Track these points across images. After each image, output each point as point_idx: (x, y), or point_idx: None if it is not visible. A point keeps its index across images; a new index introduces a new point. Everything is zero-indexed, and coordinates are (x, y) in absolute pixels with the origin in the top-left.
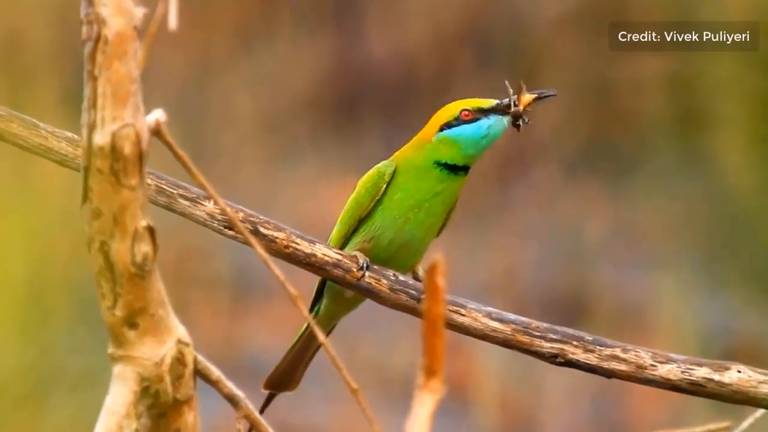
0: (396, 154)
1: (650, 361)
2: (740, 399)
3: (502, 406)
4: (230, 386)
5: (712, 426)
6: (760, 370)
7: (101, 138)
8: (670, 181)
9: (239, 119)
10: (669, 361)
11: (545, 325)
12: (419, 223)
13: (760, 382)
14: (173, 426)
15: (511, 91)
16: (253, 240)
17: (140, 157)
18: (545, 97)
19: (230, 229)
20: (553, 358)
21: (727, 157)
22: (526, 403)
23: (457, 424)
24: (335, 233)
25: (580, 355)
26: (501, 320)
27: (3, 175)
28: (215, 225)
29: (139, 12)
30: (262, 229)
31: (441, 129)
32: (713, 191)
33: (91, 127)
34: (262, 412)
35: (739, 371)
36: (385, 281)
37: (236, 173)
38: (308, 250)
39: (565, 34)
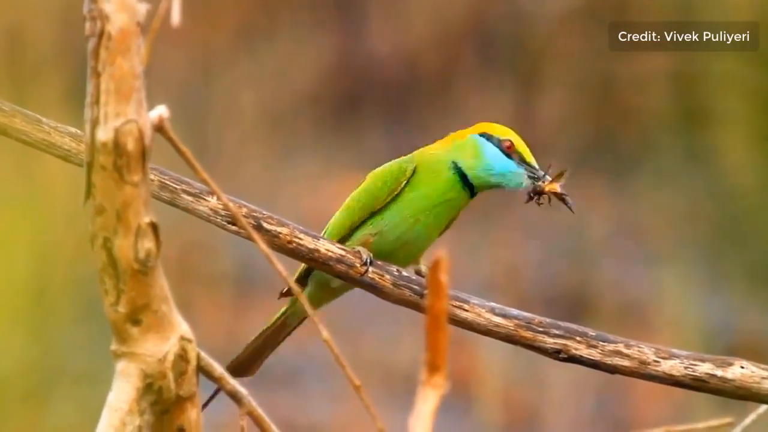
0: (419, 150)
1: (653, 357)
2: (743, 395)
3: (505, 402)
4: (233, 383)
5: (715, 422)
6: (763, 365)
7: (104, 134)
8: (672, 178)
9: (242, 115)
10: (672, 356)
11: (548, 320)
12: (426, 224)
13: (763, 378)
14: (176, 422)
15: (549, 172)
16: (255, 235)
17: (143, 153)
18: (562, 200)
19: (233, 224)
20: (556, 354)
21: (730, 154)
22: (529, 398)
23: (460, 419)
24: (338, 221)
25: (583, 351)
26: (504, 315)
27: (6, 172)
28: (218, 220)
29: (142, 8)
30: (265, 225)
31: (481, 135)
32: (716, 188)
33: (94, 123)
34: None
35: (742, 367)
36: (388, 277)
37: (239, 169)
38: (311, 246)
39: (568, 32)
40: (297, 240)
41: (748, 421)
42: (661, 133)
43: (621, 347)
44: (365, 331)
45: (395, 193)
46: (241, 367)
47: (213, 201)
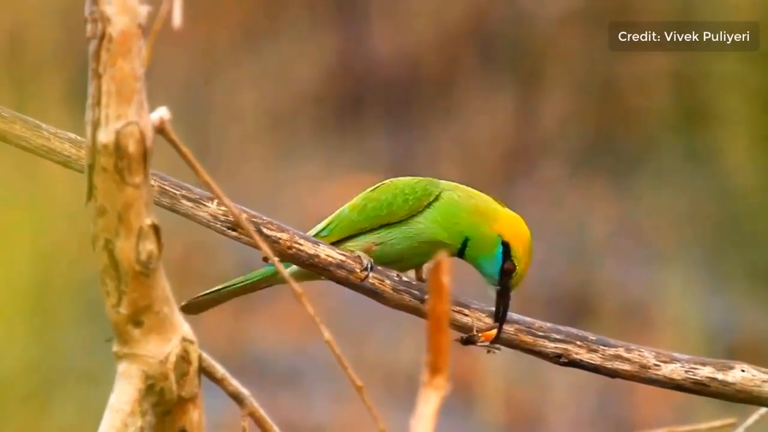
0: (447, 183)
1: (654, 361)
2: (744, 398)
3: (507, 404)
4: (235, 384)
5: (717, 423)
6: (764, 369)
7: (105, 136)
8: (673, 178)
9: (243, 117)
10: (673, 360)
11: (549, 324)
12: (426, 250)
13: (764, 381)
14: (178, 424)
15: (483, 325)
16: (259, 240)
17: (144, 155)
18: (490, 348)
19: (233, 229)
20: (556, 358)
21: (732, 154)
22: (530, 400)
23: (461, 421)
24: (348, 221)
25: (583, 355)
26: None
27: (8, 174)
28: (218, 226)
29: (144, 10)
30: (265, 230)
31: (504, 244)
32: (717, 188)
33: (95, 125)
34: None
35: (743, 370)
36: (388, 282)
37: (240, 170)
38: (311, 251)
39: (569, 33)
40: (297, 245)
41: (750, 421)
42: (662, 134)
43: (621, 351)
44: (367, 332)
45: (413, 213)
46: (195, 308)
47: (213, 207)
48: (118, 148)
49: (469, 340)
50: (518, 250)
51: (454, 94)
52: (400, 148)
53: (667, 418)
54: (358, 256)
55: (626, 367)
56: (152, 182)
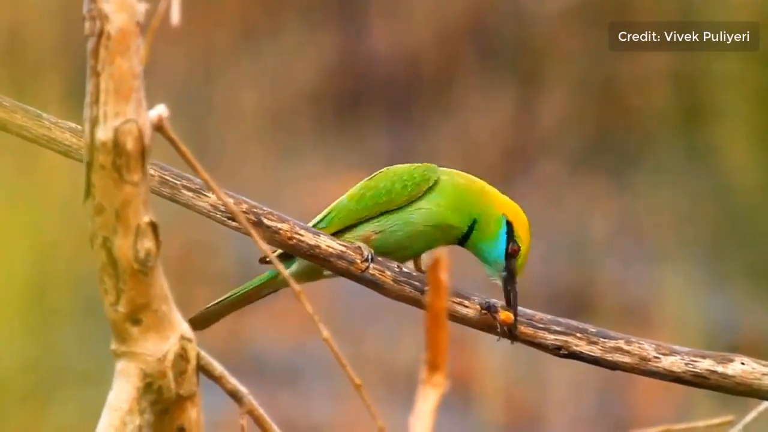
0: (444, 170)
1: (654, 353)
2: (744, 391)
3: (506, 401)
4: (233, 382)
5: (716, 420)
6: (763, 362)
7: (104, 133)
8: (674, 176)
9: (242, 115)
10: (672, 353)
11: (549, 316)
12: (426, 238)
13: (764, 374)
14: (176, 422)
15: (500, 303)
16: (253, 232)
17: (143, 153)
18: (509, 336)
19: (233, 220)
20: (556, 350)
21: (732, 152)
22: (529, 397)
23: (460, 418)
24: (347, 211)
25: (583, 347)
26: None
27: (6, 171)
28: (218, 216)
29: (142, 7)
30: (265, 221)
31: (508, 224)
32: (717, 187)
33: (94, 123)
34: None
35: (742, 363)
36: (389, 273)
37: (240, 169)
38: (312, 242)
39: (569, 32)
40: (297, 236)
41: (748, 418)
42: (661, 133)
43: (621, 344)
44: (366, 330)
45: (412, 199)
46: (200, 323)
47: (213, 197)
48: (117, 146)
49: (490, 308)
50: (520, 230)
51: (453, 92)
52: (399, 147)
53: (667, 415)
54: (359, 247)
55: (626, 359)
56: (152, 172)
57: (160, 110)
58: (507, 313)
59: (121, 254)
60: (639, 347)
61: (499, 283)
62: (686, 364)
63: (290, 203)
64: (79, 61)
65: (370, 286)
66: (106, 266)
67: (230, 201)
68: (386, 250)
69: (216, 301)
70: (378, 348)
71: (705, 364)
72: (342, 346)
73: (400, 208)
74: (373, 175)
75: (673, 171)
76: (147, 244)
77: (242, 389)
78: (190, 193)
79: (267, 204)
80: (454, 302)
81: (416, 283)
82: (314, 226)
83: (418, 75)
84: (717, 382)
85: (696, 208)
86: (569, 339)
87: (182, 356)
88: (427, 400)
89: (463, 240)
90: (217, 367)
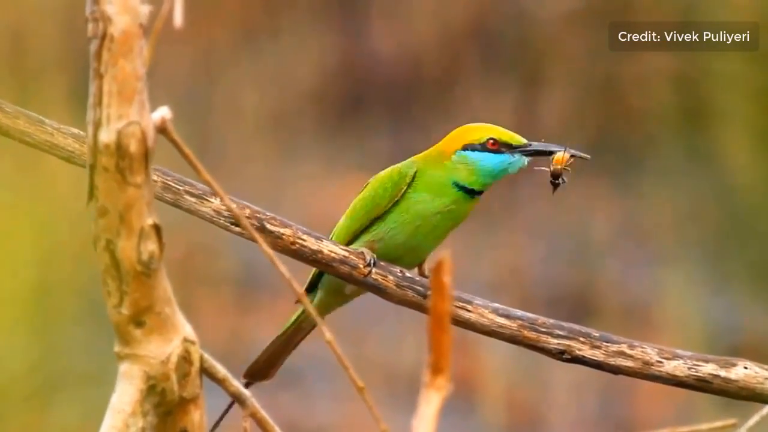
0: (416, 157)
1: (657, 358)
2: (747, 395)
3: (509, 403)
4: (236, 384)
5: (719, 423)
6: (766, 366)
7: (107, 136)
8: (676, 178)
9: (245, 116)
10: (676, 357)
11: (552, 321)
12: (429, 231)
13: (767, 378)
14: (179, 424)
15: (548, 151)
16: (257, 236)
17: (146, 155)
18: (580, 157)
19: (236, 225)
20: (559, 355)
21: (733, 153)
22: (532, 399)
23: (463, 421)
24: (342, 228)
25: (586, 352)
26: (508, 316)
27: (10, 174)
28: (221, 222)
29: (145, 9)
30: (268, 226)
31: (464, 148)
32: (719, 188)
33: (97, 125)
34: (231, 406)
35: (745, 367)
36: (391, 278)
37: (242, 170)
38: (315, 247)
39: (571, 33)
40: (300, 241)
41: (751, 422)
42: (663, 134)
43: (624, 348)
44: (368, 333)
45: (396, 198)
46: (259, 372)
47: (216, 202)
48: (120, 148)
49: (555, 176)
50: (471, 135)
51: (455, 93)
52: (401, 148)
53: (669, 418)
54: (362, 252)
55: (629, 363)
56: (155, 177)
57: (163, 112)
58: (562, 156)
59: (124, 256)
60: (642, 351)
61: (530, 161)
62: (689, 369)
63: (291, 204)
64: (82, 64)
65: (373, 291)
66: (109, 268)
67: (234, 206)
68: (396, 255)
69: (264, 349)
70: (380, 350)
71: (708, 369)
72: (344, 349)
73: (387, 211)
74: (363, 187)
75: (674, 172)
76: (150, 246)
77: (245, 392)
78: (192, 199)
79: (268, 204)
80: (457, 306)
81: (419, 288)
82: None
83: (420, 76)
84: (720, 386)
85: (697, 209)
86: (572, 343)
87: (185, 359)
88: (430, 402)
89: (471, 194)
90: (220, 370)
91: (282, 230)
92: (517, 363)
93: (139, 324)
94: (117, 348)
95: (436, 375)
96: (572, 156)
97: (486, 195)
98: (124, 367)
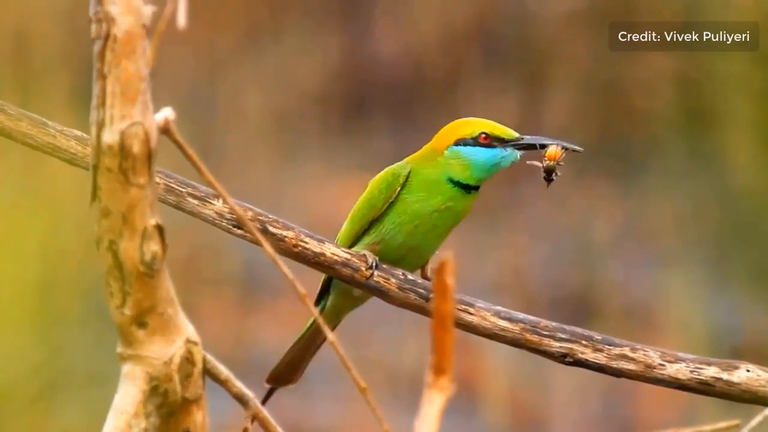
0: (410, 157)
1: (659, 361)
2: (749, 398)
3: (511, 405)
4: (239, 385)
5: (722, 424)
6: None
7: (110, 136)
8: (678, 179)
9: (248, 117)
10: (678, 360)
11: (554, 324)
12: (429, 230)
13: None
14: (182, 425)
15: (540, 144)
16: (261, 238)
17: (149, 156)
18: (573, 150)
19: (239, 228)
20: (562, 358)
21: (736, 155)
22: (534, 401)
23: (466, 422)
24: (344, 232)
25: (589, 355)
26: (510, 319)
27: (13, 175)
28: (224, 224)
29: (148, 10)
30: (270, 228)
31: (456, 143)
32: (722, 189)
33: (100, 126)
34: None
35: (748, 370)
36: (393, 280)
37: (245, 171)
38: (317, 249)
39: (573, 34)
40: (302, 243)
41: (754, 422)
42: (666, 135)
43: (627, 351)
44: (371, 334)
45: (391, 199)
46: (281, 376)
47: (218, 204)
48: (123, 149)
49: (549, 172)
50: (463, 130)
51: (457, 94)
52: (403, 149)
53: (672, 420)
54: (364, 255)
55: (631, 366)
56: (158, 180)
57: (167, 113)
58: (555, 151)
59: (127, 257)
60: (644, 354)
61: (522, 154)
62: (691, 372)
63: (294, 204)
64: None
65: (375, 293)
66: (112, 269)
67: (239, 208)
68: (397, 256)
69: (284, 354)
70: (383, 351)
71: (710, 372)
72: (347, 350)
73: (384, 213)
74: (365, 188)
75: (676, 173)
76: (153, 247)
77: (248, 393)
78: (195, 201)
79: (270, 205)
80: (459, 309)
81: (421, 291)
82: None
83: (422, 77)
84: (722, 389)
85: (699, 210)
86: (574, 346)
87: (188, 359)
88: (433, 403)
89: (467, 189)
90: (223, 371)
91: (284, 233)
92: (519, 364)
93: (142, 325)
94: (120, 349)
95: (438, 376)
96: (565, 148)
97: (487, 195)
98: (126, 367)
